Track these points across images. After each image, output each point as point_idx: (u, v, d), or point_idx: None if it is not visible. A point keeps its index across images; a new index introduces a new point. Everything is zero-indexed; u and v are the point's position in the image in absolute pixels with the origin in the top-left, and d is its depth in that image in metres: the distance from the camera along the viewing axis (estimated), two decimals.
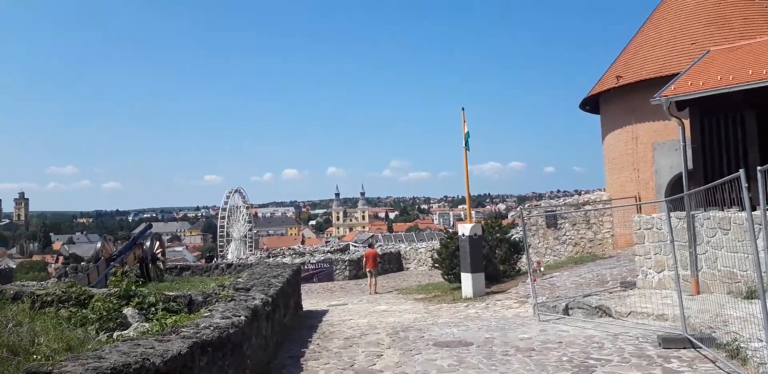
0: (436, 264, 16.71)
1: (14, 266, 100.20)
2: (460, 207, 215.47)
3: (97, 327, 6.60)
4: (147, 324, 6.41)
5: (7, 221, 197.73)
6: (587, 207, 20.49)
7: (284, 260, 23.29)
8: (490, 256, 15.47)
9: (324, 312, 13.23)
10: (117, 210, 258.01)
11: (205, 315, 5.73)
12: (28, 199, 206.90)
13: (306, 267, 22.78)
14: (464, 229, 13.96)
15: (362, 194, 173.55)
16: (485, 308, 12.02)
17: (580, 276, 14.60)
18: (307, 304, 15.69)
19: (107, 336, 5.69)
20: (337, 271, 23.21)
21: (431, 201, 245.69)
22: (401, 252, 27.44)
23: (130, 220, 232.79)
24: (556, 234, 21.58)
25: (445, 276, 16.21)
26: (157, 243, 12.61)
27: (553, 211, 21.69)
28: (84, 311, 6.99)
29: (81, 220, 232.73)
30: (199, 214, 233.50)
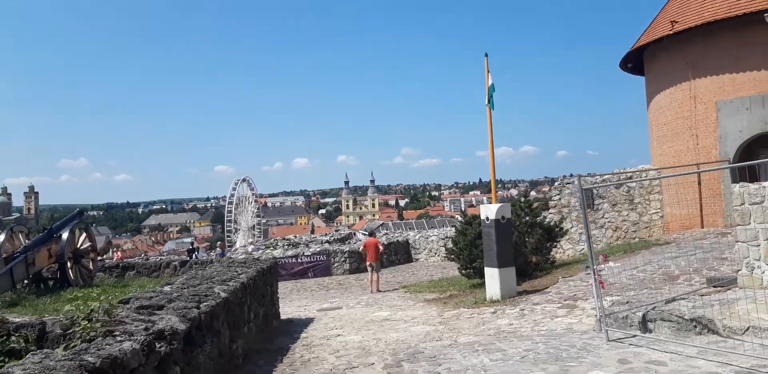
0: (452, 256, 13.60)
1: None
2: (471, 193, 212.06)
3: None
4: None
5: (18, 215, 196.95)
6: (634, 182, 17.18)
7: (274, 252, 20.32)
8: (520, 245, 12.32)
9: (308, 322, 10.18)
10: (128, 202, 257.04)
11: None
12: (38, 193, 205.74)
13: (300, 260, 19.78)
14: (488, 212, 10.79)
15: (372, 182, 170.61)
16: (520, 316, 8.88)
17: (638, 269, 11.42)
18: (293, 308, 12.69)
19: None
20: (336, 264, 20.14)
21: (442, 188, 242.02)
22: (410, 241, 24.29)
23: (140, 212, 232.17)
24: (593, 217, 18.34)
25: (463, 271, 13.09)
26: (83, 234, 9.40)
27: (590, 188, 18.40)
28: None
29: (92, 213, 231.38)
30: (209, 205, 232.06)
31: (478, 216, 13.62)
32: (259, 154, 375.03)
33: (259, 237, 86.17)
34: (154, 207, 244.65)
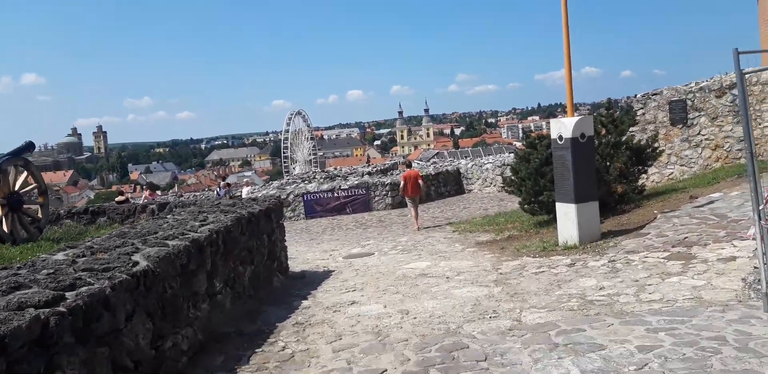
0: (510, 188, 10.86)
1: (92, 196, 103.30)
2: (529, 118, 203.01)
3: None
4: None
5: (89, 154, 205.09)
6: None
7: (308, 186, 18.15)
8: (602, 172, 9.43)
9: (325, 277, 7.92)
10: (191, 138, 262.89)
11: None
12: (105, 132, 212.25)
13: (336, 194, 17.53)
14: (562, 128, 7.87)
15: (426, 111, 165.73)
16: (612, 273, 6.23)
17: None
18: (317, 253, 10.51)
19: None
20: (377, 199, 17.79)
21: (499, 115, 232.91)
22: (461, 170, 21.50)
23: (203, 148, 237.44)
24: (686, 134, 14.95)
25: (526, 206, 10.37)
26: (24, 173, 7.17)
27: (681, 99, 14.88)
28: None
29: (158, 150, 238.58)
30: (268, 139, 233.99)
31: (544, 137, 10.73)
32: (314, 87, 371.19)
33: (317, 168, 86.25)
34: (216, 142, 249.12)
